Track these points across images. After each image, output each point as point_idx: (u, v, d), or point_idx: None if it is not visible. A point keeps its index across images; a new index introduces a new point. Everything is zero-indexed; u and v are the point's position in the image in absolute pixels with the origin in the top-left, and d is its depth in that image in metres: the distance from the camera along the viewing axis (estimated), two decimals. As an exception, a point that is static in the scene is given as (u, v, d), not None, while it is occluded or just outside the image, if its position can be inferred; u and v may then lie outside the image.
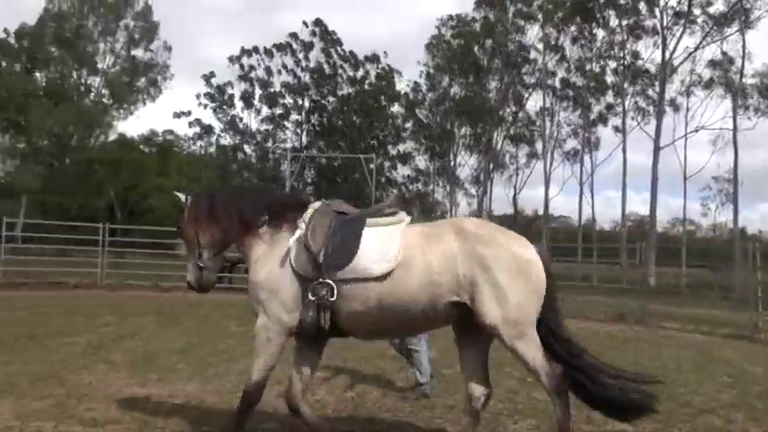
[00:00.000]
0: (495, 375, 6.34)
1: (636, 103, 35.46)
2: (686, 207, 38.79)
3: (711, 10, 31.51)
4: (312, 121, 46.05)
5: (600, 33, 35.82)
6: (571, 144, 39.61)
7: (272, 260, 3.67)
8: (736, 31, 31.22)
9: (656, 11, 32.86)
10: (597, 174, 38.01)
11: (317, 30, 44.22)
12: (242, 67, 44.31)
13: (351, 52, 44.92)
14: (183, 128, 55.48)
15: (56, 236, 20.74)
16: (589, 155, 37.56)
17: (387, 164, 45.54)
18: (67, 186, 37.51)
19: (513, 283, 3.42)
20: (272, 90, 44.83)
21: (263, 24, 74.76)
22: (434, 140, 44.33)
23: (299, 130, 46.04)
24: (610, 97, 37.04)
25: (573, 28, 36.29)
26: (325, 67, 44.51)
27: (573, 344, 3.65)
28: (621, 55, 35.06)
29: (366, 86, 45.17)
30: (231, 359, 6.77)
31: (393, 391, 5.60)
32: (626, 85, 34.97)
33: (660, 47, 32.62)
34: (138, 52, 42.77)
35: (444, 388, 5.65)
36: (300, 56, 44.72)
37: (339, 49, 44.75)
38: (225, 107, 44.98)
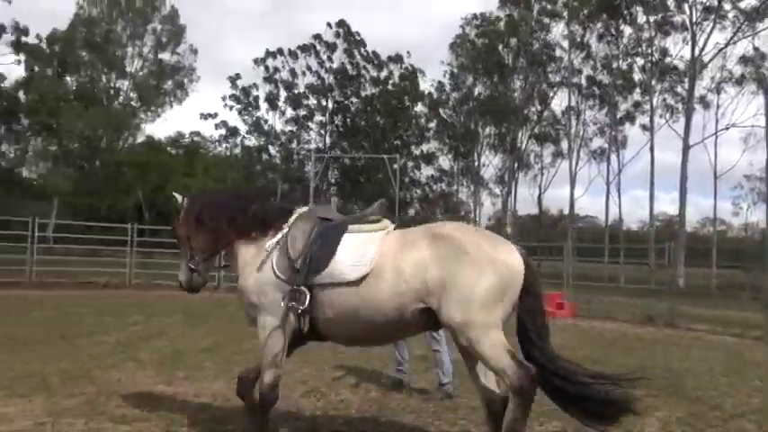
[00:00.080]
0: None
1: (664, 100, 34.89)
2: (717, 206, 37.92)
3: (742, 5, 30.91)
4: (336, 121, 46.25)
5: (627, 30, 35.34)
6: (597, 143, 39.20)
7: (258, 266, 3.75)
8: (769, 26, 30.51)
9: (685, 6, 32.28)
10: (624, 173, 37.54)
11: (340, 31, 44.39)
12: (267, 69, 44.72)
13: (374, 53, 45.02)
14: (209, 129, 56.23)
15: (86, 236, 21.16)
16: (616, 153, 37.11)
17: (410, 164, 45.50)
18: (97, 188, 38.28)
19: (479, 284, 3.36)
20: (296, 91, 45.15)
21: (288, 25, 75.33)
22: (458, 140, 44.16)
23: (322, 131, 46.27)
24: (637, 95, 36.57)
25: (599, 25, 35.80)
26: (349, 67, 44.65)
27: (549, 349, 3.56)
28: (649, 52, 34.50)
29: (389, 87, 45.19)
30: (256, 358, 6.83)
31: (417, 392, 5.59)
32: (654, 83, 34.38)
33: (689, 43, 32.05)
34: (165, 55, 43.51)
35: (468, 388, 5.60)
36: (324, 57, 44.95)
37: (362, 49, 44.86)
38: (250, 109, 45.44)
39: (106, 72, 41.66)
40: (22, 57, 35.75)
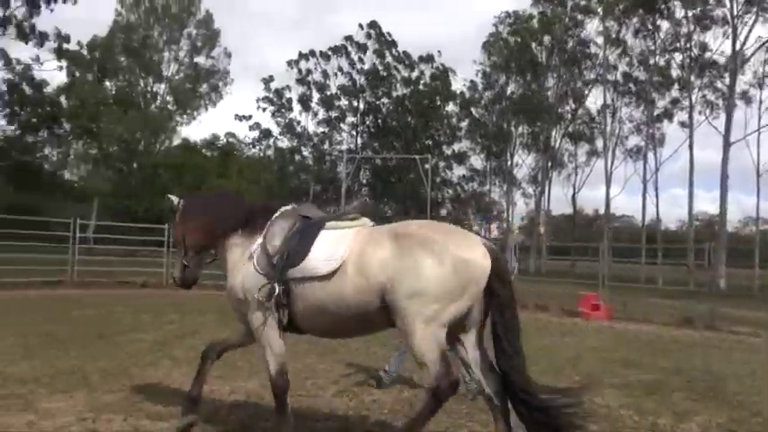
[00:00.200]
0: (553, 379, 6.23)
1: (704, 96, 33.85)
2: (759, 205, 36.66)
3: (787, -4, 29.75)
4: (367, 122, 46.38)
5: (664, 25, 34.44)
6: (634, 141, 38.33)
7: (244, 265, 3.89)
8: (814, 18, 29.39)
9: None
10: (662, 171, 36.72)
11: (372, 32, 44.51)
12: (299, 71, 45.15)
13: (405, 53, 44.99)
14: (243, 129, 56.94)
15: (124, 237, 21.71)
16: (653, 152, 36.22)
17: (442, 164, 45.33)
18: (135, 190, 39.20)
19: (434, 277, 3.37)
20: (328, 93, 45.44)
21: (320, 27, 75.95)
22: (490, 139, 43.80)
23: (354, 132, 46.46)
24: (675, 91, 35.55)
25: (635, 20, 35.00)
26: (380, 68, 44.74)
27: (517, 345, 3.51)
28: (688, 47, 33.55)
29: (421, 87, 45.11)
30: (290, 358, 6.89)
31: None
32: (693, 78, 33.45)
33: (730, 37, 31.02)
34: (201, 59, 44.35)
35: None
36: (355, 58, 45.14)
37: (393, 50, 44.88)
38: (283, 110, 45.92)
39: (143, 76, 42.69)
40: (63, 63, 36.81)
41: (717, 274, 25.80)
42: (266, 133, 46.47)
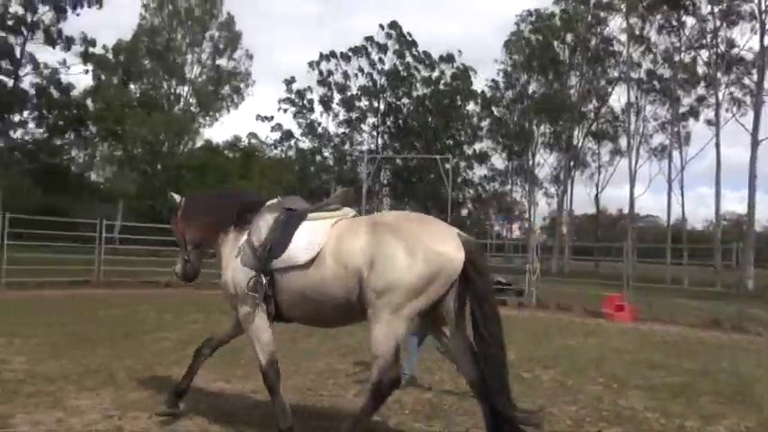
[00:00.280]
0: (576, 381, 6.17)
1: (731, 93, 33.25)
2: (789, 204, 35.90)
3: (816, -10, 29.05)
4: (388, 122, 46.44)
5: (689, 21, 33.89)
6: (658, 139, 37.84)
7: (233, 259, 4.00)
8: None
9: (753, -6, 30.67)
10: (688, 170, 36.16)
11: (392, 32, 44.53)
12: (320, 72, 45.36)
13: (425, 53, 44.95)
14: (265, 131, 57.46)
15: (149, 237, 22.00)
16: (678, 150, 35.69)
17: (463, 164, 45.20)
18: (159, 191, 39.72)
19: (405, 267, 3.38)
20: (348, 94, 45.58)
21: (341, 28, 76.22)
22: (512, 139, 43.53)
23: (375, 133, 46.57)
24: (701, 89, 35.00)
25: (659, 17, 34.49)
26: (400, 68, 44.74)
27: (497, 335, 3.48)
28: (714, 43, 32.95)
29: (441, 86, 45.01)
30: (312, 357, 6.94)
31: (471, 394, 5.52)
32: (719, 75, 32.84)
33: (758, 32, 30.37)
34: (223, 61, 44.72)
35: (522, 392, 5.52)
36: (375, 59, 45.21)
37: (414, 50, 44.85)
38: (304, 111, 46.18)
39: (167, 79, 43.20)
40: (89, 67, 37.50)
41: (744, 274, 25.29)
42: (288, 134, 46.82)
